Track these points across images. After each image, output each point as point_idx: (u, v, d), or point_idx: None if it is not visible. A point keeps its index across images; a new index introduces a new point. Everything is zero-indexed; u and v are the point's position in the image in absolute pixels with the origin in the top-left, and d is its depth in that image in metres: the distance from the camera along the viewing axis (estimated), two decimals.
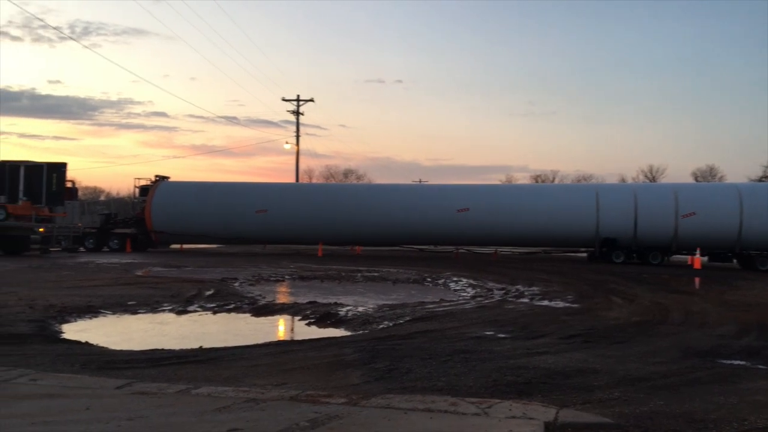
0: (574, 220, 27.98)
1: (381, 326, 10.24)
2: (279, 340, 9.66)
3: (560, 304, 13.27)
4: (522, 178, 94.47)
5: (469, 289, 16.10)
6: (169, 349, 8.01)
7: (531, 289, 15.98)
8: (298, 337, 9.69)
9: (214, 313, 11.60)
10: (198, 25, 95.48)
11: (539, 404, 5.28)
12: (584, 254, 30.22)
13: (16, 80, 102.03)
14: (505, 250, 31.95)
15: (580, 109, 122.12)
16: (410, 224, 29.20)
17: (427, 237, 30.20)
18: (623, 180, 75.34)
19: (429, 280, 18.55)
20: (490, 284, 17.04)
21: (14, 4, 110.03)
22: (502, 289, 15.94)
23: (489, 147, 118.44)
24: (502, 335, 9.28)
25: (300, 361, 7.47)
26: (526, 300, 13.82)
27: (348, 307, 12.07)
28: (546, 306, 12.91)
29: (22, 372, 6.17)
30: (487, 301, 13.64)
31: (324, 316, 11.13)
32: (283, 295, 14.85)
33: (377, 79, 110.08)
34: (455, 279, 18.61)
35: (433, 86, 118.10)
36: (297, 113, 46.96)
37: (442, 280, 18.32)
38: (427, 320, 10.61)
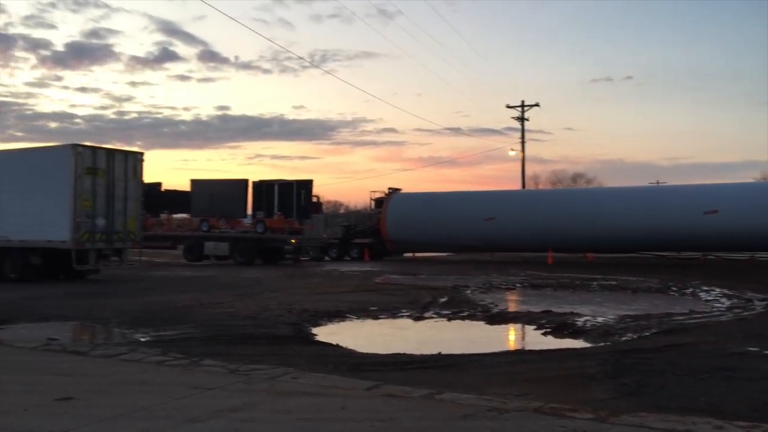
0: None
1: (624, 338, 9.64)
2: (515, 349, 9.57)
3: None
4: None
5: (723, 300, 14.51)
6: (411, 354, 8.33)
7: None
8: (535, 346, 9.49)
9: (449, 320, 11.84)
10: (423, 40, 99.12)
11: None
12: None
13: (267, 108, 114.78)
14: (764, 255, 28.26)
15: None
16: (649, 228, 27.13)
17: (668, 242, 27.81)
18: None
19: (674, 289, 17.06)
20: (749, 294, 15.16)
21: (266, 39, 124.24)
22: (765, 299, 14.10)
23: (734, 141, 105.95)
24: None
25: (539, 371, 7.30)
26: None
27: (585, 317, 11.56)
28: None
29: (285, 370, 6.84)
30: (746, 313, 12.17)
31: (560, 326, 10.78)
32: (515, 303, 14.70)
33: (605, 78, 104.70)
34: (705, 288, 16.88)
35: (668, 80, 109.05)
36: (522, 119, 46.41)
37: (690, 290, 16.73)
38: (676, 333, 9.75)
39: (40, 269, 18.46)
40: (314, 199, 29.60)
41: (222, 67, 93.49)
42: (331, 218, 41.05)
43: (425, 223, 31.20)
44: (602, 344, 9.27)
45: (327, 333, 10.27)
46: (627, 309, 12.89)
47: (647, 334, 9.78)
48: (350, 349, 8.84)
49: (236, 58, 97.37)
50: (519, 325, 11.38)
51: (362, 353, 8.55)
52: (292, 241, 28.13)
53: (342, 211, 64.67)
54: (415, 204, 32.98)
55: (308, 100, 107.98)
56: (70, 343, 9.07)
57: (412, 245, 33.01)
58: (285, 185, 27.89)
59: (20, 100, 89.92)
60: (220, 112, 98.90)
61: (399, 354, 8.35)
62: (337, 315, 12.00)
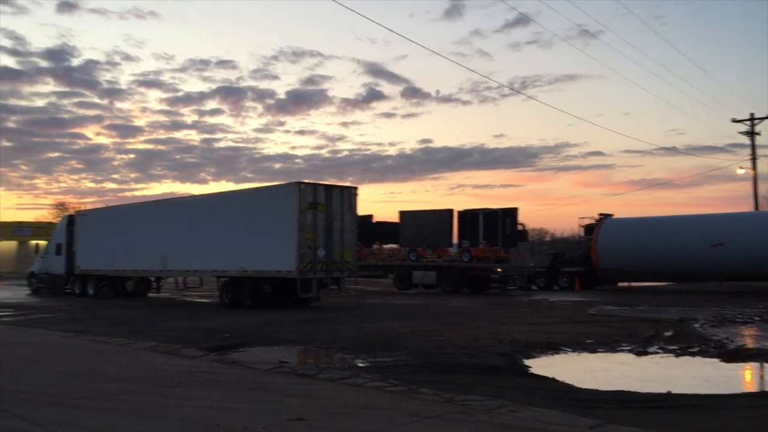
0: None
1: None
2: (759, 391, 8.48)
3: None
4: None
5: None
6: (635, 392, 7.75)
7: None
8: None
9: (677, 356, 10.85)
10: (631, 56, 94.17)
11: None
12: None
13: (468, 139, 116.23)
14: None
15: None
16: None
17: None
18: None
19: None
20: None
21: (467, 69, 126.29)
22: None
23: None
24: None
25: None
26: None
27: None
28: None
29: (501, 403, 6.74)
30: None
31: None
32: (754, 339, 13.09)
33: None
34: None
35: None
36: (752, 133, 41.80)
37: None
38: None
39: (271, 297, 20.28)
40: (519, 227, 29.15)
41: (424, 102, 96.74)
42: (538, 246, 40.13)
43: (641, 250, 29.20)
44: None
45: (541, 365, 9.94)
46: None
47: None
48: (567, 384, 8.45)
49: (437, 92, 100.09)
50: (760, 364, 10.10)
51: (580, 388, 8.13)
52: (498, 269, 27.94)
53: (547, 238, 62.96)
54: (628, 230, 31.06)
55: (508, 128, 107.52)
56: (299, 366, 9.77)
57: (626, 274, 31.04)
58: (490, 214, 27.86)
59: (250, 145, 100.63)
60: (423, 145, 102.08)
61: (622, 391, 7.81)
62: (550, 347, 11.58)
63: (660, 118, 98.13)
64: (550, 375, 9.01)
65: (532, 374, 9.21)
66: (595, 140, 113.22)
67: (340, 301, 21.65)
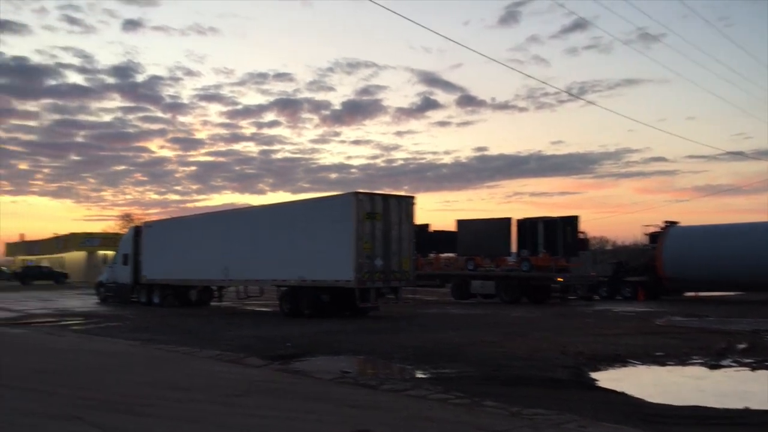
0: None
1: None
2: None
3: None
4: None
5: None
6: (711, 407, 7.41)
7: None
8: None
9: (753, 369, 10.35)
10: (695, 58, 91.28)
11: None
12: None
13: (524, 146, 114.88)
14: None
15: None
16: None
17: None
18: None
19: None
20: None
21: (525, 75, 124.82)
22: None
23: None
24: None
25: None
26: None
27: None
28: None
29: (570, 417, 6.54)
30: None
31: None
32: None
33: None
34: None
35: None
36: None
37: None
38: None
39: (329, 306, 20.39)
40: (581, 236, 28.49)
41: (479, 110, 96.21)
42: (600, 255, 39.19)
43: (708, 258, 28.16)
44: None
45: (608, 378, 9.63)
46: None
47: None
48: (637, 398, 8.15)
49: (492, 99, 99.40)
50: None
51: (652, 403, 7.82)
52: (559, 279, 27.37)
53: (608, 247, 61.42)
54: (695, 238, 30.02)
55: (566, 135, 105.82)
56: (361, 376, 9.75)
57: (693, 283, 29.99)
58: (550, 222, 27.35)
59: (306, 156, 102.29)
60: (478, 153, 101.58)
61: (697, 407, 7.47)
62: (617, 359, 11.22)
63: (726, 121, 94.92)
64: (618, 389, 8.71)
65: (600, 388, 8.93)
66: (658, 146, 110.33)
67: (397, 311, 21.58)
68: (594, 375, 9.89)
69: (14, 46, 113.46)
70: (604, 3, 68.15)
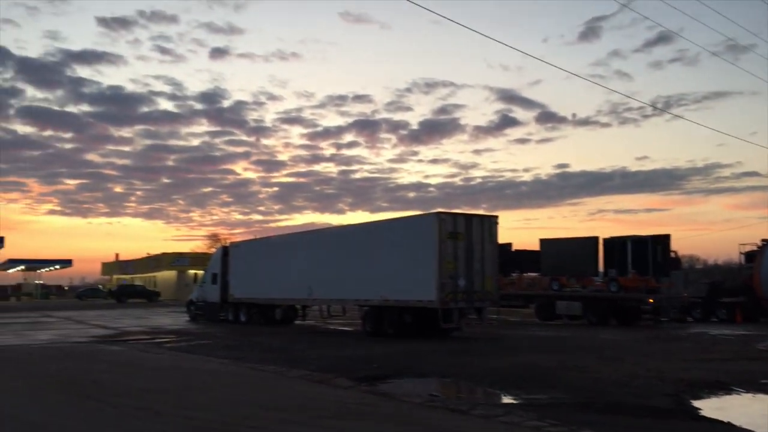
0: None
1: None
2: None
3: None
4: None
5: None
6: None
7: None
8: None
9: None
10: None
11: None
12: None
13: (607, 162, 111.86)
14: None
15: None
16: None
17: None
18: None
19: None
20: None
21: (608, 89, 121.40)
22: None
23: None
24: None
25: None
26: None
27: None
28: None
29: None
30: None
31: None
32: None
33: None
34: None
35: None
36: None
37: None
38: None
39: (411, 326, 20.33)
40: (672, 255, 27.29)
41: (559, 127, 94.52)
42: (693, 275, 37.41)
43: None
44: None
45: (712, 407, 9.11)
46: None
47: None
48: (747, 429, 7.67)
49: (573, 115, 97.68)
50: None
51: None
52: (650, 300, 26.25)
53: (699, 266, 58.64)
54: None
55: (652, 150, 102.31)
56: (449, 400, 9.63)
57: None
58: (639, 241, 26.34)
59: (385, 175, 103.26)
60: (559, 170, 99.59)
61: None
62: (720, 387, 10.62)
63: None
64: (724, 419, 8.23)
65: (704, 417, 8.46)
66: (750, 160, 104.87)
67: (481, 332, 21.27)
68: (696, 403, 9.39)
69: (111, 76, 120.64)
70: (690, 14, 65.81)
